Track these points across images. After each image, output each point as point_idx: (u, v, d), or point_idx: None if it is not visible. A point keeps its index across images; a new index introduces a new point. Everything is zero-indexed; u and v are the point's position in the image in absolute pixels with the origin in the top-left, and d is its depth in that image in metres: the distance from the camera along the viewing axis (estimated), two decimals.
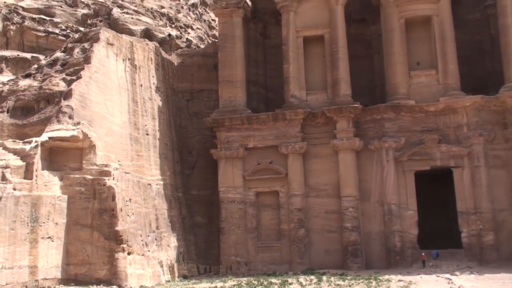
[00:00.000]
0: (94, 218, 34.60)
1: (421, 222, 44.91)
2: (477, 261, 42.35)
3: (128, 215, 36.98)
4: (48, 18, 52.73)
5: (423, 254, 43.30)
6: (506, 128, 44.06)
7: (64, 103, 36.18)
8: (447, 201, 47.99)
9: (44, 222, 32.41)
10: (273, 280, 37.78)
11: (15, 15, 51.25)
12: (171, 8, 59.55)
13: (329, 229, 45.16)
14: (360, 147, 45.55)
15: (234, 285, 36.15)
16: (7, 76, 46.23)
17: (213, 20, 64.42)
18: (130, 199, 37.94)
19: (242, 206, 46.28)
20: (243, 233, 45.91)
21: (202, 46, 57.44)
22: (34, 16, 52.07)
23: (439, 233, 47.99)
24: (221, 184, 46.85)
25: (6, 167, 31.88)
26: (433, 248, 44.12)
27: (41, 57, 46.41)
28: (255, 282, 36.98)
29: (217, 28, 57.42)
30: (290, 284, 35.72)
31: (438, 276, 37.64)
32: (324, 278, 37.87)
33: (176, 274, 42.92)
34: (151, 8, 56.81)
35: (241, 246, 45.74)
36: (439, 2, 46.57)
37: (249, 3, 51.42)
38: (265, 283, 36.47)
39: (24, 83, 39.56)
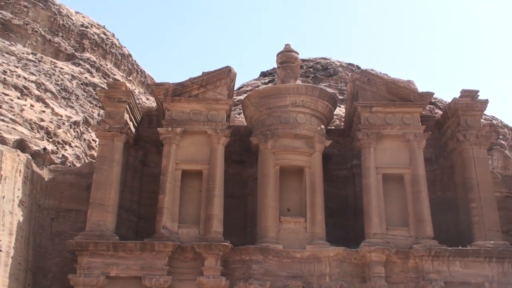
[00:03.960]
0: None
1: None
2: None
3: None
4: None
5: None
6: (364, 282, 46.00)
7: None
8: None
9: None
10: None
11: None
12: (51, 122, 58.09)
13: None
14: (226, 287, 44.95)
15: None
16: None
17: (93, 140, 63.40)
18: None
19: None
20: None
21: (78, 165, 55.88)
22: None
23: None
24: None
25: None
26: None
27: None
28: None
29: (96, 148, 56.53)
30: None
31: None
32: None
33: None
34: (30, 120, 55.02)
35: None
36: (312, 156, 50.05)
37: (133, 129, 51.87)
38: None
39: None
